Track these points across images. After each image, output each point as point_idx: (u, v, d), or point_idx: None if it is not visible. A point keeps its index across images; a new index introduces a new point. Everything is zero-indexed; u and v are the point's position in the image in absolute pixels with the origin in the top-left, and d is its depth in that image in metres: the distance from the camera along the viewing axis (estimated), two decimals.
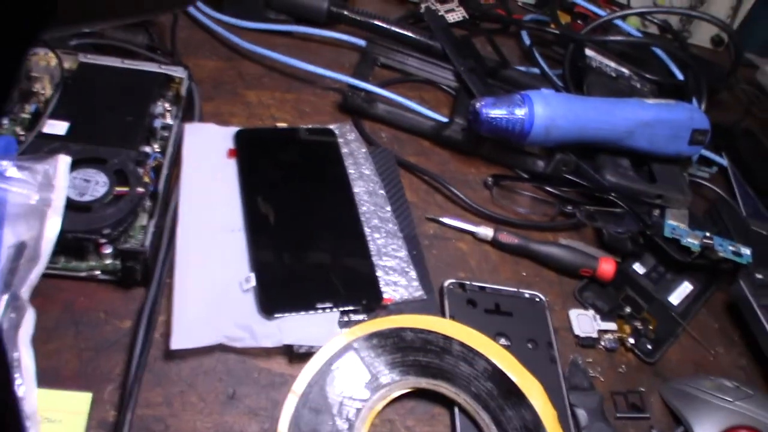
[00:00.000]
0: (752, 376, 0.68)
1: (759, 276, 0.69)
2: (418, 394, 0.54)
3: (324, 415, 0.50)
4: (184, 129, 0.64)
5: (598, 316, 0.64)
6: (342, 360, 0.52)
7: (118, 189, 0.55)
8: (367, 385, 0.52)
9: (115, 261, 0.54)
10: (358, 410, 0.51)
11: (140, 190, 0.56)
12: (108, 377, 0.49)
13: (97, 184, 0.55)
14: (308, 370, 0.52)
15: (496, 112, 0.68)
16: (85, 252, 0.53)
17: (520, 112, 0.68)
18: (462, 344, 0.56)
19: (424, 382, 0.53)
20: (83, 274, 0.53)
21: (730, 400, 0.60)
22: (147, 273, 0.54)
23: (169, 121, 0.64)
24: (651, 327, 0.66)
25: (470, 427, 0.53)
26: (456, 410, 0.54)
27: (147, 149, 0.60)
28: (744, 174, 0.88)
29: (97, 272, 0.54)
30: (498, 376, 0.55)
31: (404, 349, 0.54)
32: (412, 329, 0.55)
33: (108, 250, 0.54)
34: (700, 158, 0.85)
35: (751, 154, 0.91)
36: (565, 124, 0.70)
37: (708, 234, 0.72)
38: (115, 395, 0.49)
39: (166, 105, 0.65)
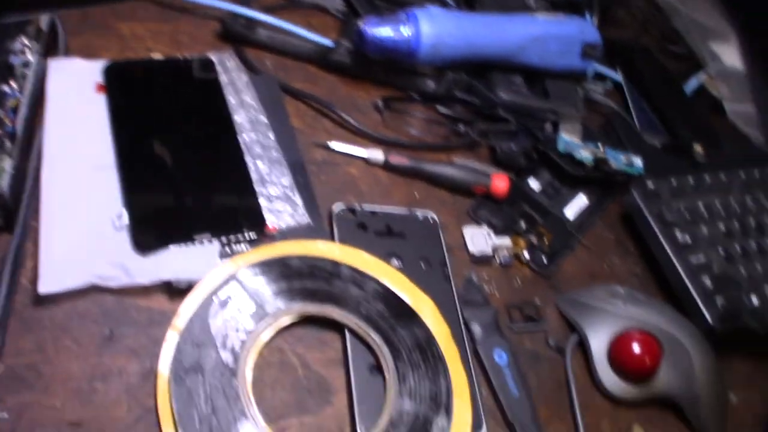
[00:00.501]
0: (645, 282, 0.69)
1: (651, 186, 0.70)
2: (307, 320, 0.53)
3: (207, 348, 0.48)
4: (48, 65, 0.60)
5: (492, 233, 0.64)
6: (224, 291, 0.51)
7: None
8: (252, 316, 0.50)
9: None
10: (243, 341, 0.49)
11: None
12: None
13: None
14: (189, 305, 0.50)
15: (381, 31, 0.66)
16: None
17: (405, 31, 0.66)
18: (351, 268, 0.55)
19: (312, 308, 0.52)
20: None
21: (623, 305, 0.61)
22: (9, 217, 0.51)
23: (29, 57, 0.59)
24: (546, 241, 0.66)
25: (362, 348, 0.52)
26: (346, 333, 0.53)
27: (4, 88, 0.56)
28: (639, 90, 0.88)
29: None
30: (389, 297, 0.54)
31: (290, 277, 0.53)
32: (298, 256, 0.54)
33: None
34: (596, 74, 0.85)
35: (647, 70, 0.91)
36: (454, 41, 0.68)
37: (601, 147, 0.72)
38: None
39: (26, 41, 0.60)
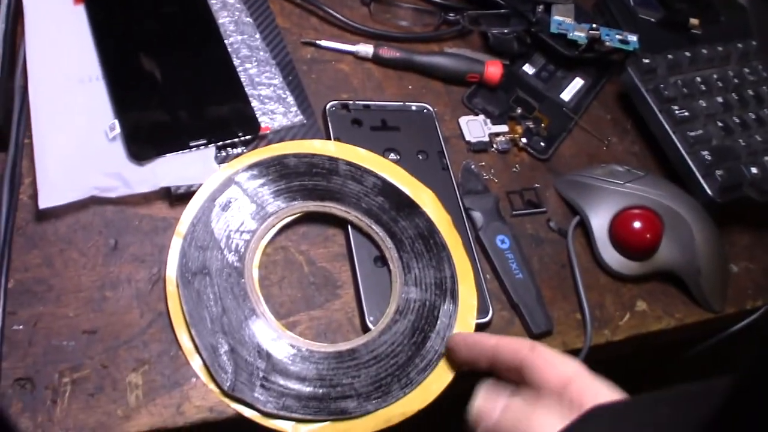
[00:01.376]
0: (644, 160, 0.69)
1: (646, 61, 0.69)
2: (309, 218, 0.53)
3: (212, 251, 0.49)
4: None
5: (488, 120, 0.63)
6: (224, 195, 0.51)
7: None
8: (253, 216, 0.51)
9: None
10: (247, 241, 0.50)
11: None
12: None
13: None
14: (190, 209, 0.50)
15: None
16: None
17: None
18: (348, 163, 0.55)
19: (312, 205, 0.52)
20: None
21: (621, 182, 0.61)
22: (2, 136, 0.50)
23: None
24: (543, 125, 0.66)
25: (365, 242, 0.53)
26: (349, 228, 0.53)
27: None
28: None
29: None
30: (388, 190, 0.54)
31: (288, 176, 0.53)
32: (294, 155, 0.54)
33: None
34: None
35: None
36: None
37: (594, 26, 0.70)
38: None
39: None
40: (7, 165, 0.49)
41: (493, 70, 0.65)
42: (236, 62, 0.57)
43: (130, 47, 0.56)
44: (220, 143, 0.53)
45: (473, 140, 0.62)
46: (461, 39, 0.69)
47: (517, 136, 0.64)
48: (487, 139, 0.62)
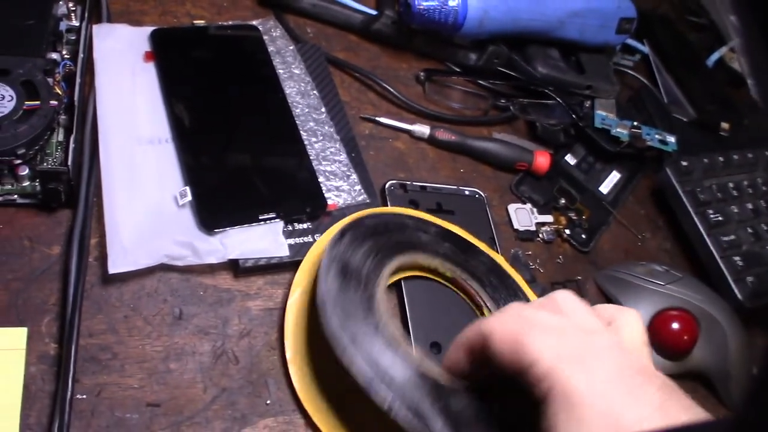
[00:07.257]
0: (676, 259, 0.71)
1: (684, 163, 0.71)
2: None
3: None
4: (93, 31, 0.58)
5: (535, 209, 0.65)
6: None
7: (28, 103, 0.50)
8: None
9: (34, 183, 0.49)
10: None
11: (53, 102, 0.50)
12: (43, 308, 0.46)
13: (3, 99, 0.49)
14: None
15: (429, 3, 0.65)
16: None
17: (453, 2, 0.65)
18: (412, 217, 0.56)
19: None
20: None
21: (661, 283, 0.63)
22: (71, 193, 0.50)
23: (74, 22, 0.57)
24: (584, 217, 0.67)
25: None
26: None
27: (55, 56, 0.54)
28: (662, 61, 0.89)
29: (15, 196, 0.49)
30: (452, 236, 0.56)
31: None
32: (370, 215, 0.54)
33: (24, 171, 0.49)
34: (623, 46, 0.85)
35: (668, 41, 0.92)
36: (499, 15, 0.68)
37: (636, 123, 0.73)
38: (54, 327, 0.46)
39: (70, 4, 0.58)
40: (76, 225, 0.49)
41: (542, 160, 0.66)
42: (303, 135, 0.58)
43: (201, 111, 0.56)
44: (288, 218, 0.53)
45: (521, 228, 0.63)
46: (508, 124, 0.71)
47: (561, 227, 0.65)
48: (533, 228, 0.64)
